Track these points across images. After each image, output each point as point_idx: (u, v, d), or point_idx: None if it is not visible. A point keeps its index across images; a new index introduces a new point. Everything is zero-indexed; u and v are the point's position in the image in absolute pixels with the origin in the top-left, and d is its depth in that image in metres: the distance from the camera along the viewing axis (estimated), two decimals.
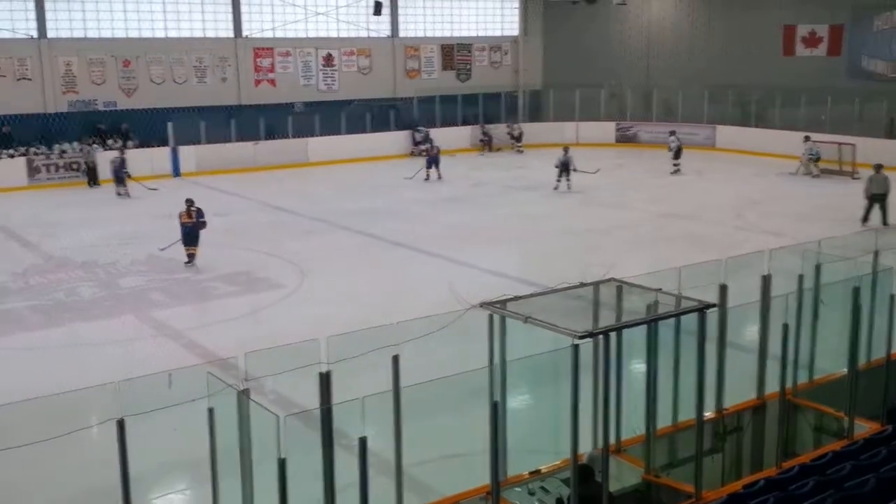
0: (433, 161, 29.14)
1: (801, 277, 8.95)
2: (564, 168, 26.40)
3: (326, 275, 17.70)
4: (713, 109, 35.36)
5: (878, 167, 21.32)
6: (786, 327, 8.30)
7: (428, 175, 28.86)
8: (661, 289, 7.59)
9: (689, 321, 7.69)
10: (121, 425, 5.95)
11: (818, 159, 28.43)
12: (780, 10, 34.65)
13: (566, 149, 27.01)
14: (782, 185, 27.56)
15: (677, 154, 29.74)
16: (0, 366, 12.92)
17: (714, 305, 7.84)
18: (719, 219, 22.40)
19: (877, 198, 20.77)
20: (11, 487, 8.92)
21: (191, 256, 18.17)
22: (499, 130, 36.14)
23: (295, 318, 14.76)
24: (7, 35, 28.90)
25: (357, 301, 15.69)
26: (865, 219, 20.72)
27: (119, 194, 26.41)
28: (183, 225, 18.23)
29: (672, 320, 7.73)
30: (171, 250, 18.48)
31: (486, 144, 35.66)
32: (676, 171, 29.56)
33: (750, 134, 33.83)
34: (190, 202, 18.42)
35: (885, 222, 20.54)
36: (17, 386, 11.43)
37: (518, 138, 35.64)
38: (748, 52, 35.13)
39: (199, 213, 18.23)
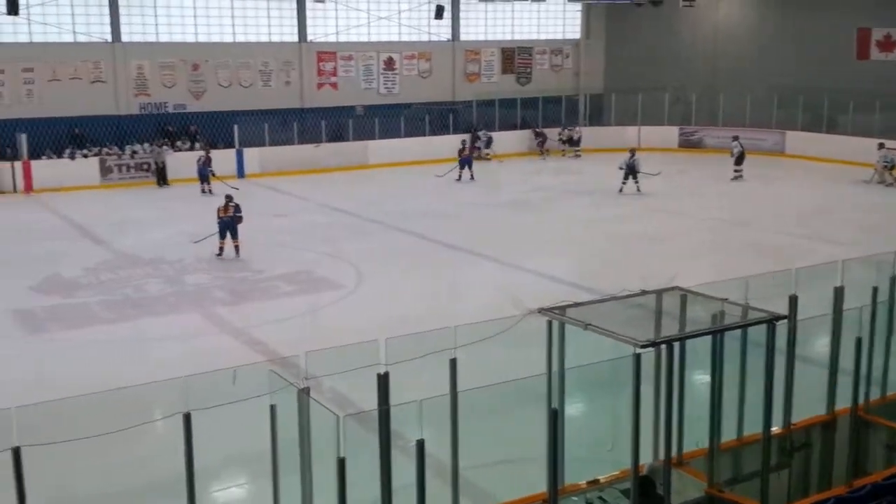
0: (466, 162, 29.26)
1: (875, 290, 8.69)
2: (630, 171, 26.16)
3: (384, 276, 17.78)
4: (782, 114, 34.62)
5: None
6: (859, 341, 8.06)
7: (460, 175, 28.90)
8: (727, 298, 7.44)
9: (756, 332, 7.52)
10: (187, 419, 6.04)
11: (893, 167, 27.61)
12: (854, 13, 33.72)
13: (633, 151, 26.75)
14: (854, 194, 26.83)
15: (739, 160, 29.23)
16: (69, 358, 13.24)
17: (784, 317, 7.61)
18: (786, 227, 21.93)
19: None
20: (79, 478, 9.12)
21: (221, 249, 18.95)
22: (553, 134, 35.70)
23: (352, 318, 14.86)
24: (83, 39, 29.63)
25: (413, 303, 15.74)
26: None
27: (203, 192, 27.11)
28: (220, 219, 19.01)
29: (738, 331, 7.57)
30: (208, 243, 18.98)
31: (541, 147, 35.21)
32: (738, 178, 29.05)
33: (821, 140, 32.98)
34: (229, 198, 19.34)
35: None
36: (86, 378, 11.74)
37: (577, 142, 35.33)
38: (820, 56, 34.24)
39: (237, 208, 19.03)
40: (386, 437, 6.24)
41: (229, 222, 18.96)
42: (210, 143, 30.37)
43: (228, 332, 14.42)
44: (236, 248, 19.03)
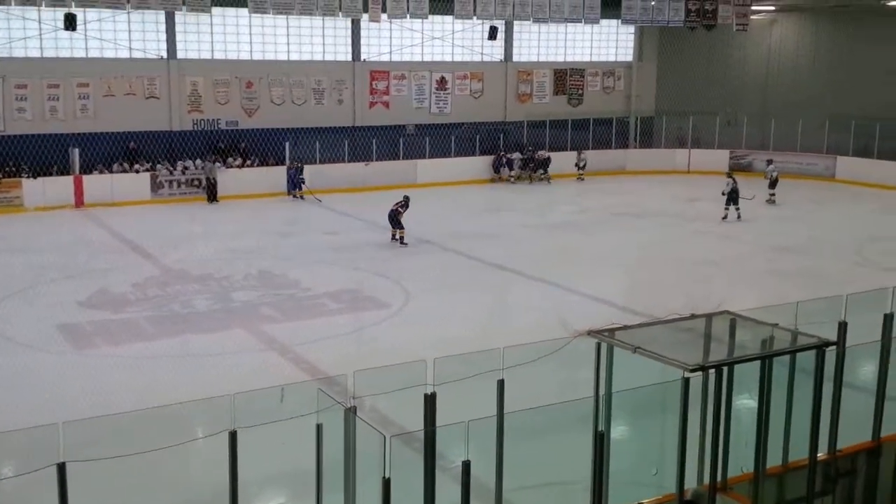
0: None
1: None
2: (733, 196, 25.70)
3: (431, 296, 17.82)
4: (834, 139, 34.23)
5: None
6: None
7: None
8: (777, 324, 7.37)
9: (804, 358, 7.43)
10: (233, 437, 6.11)
11: None
12: None
13: (732, 176, 26.26)
14: None
15: (773, 184, 28.99)
16: (117, 373, 13.44)
17: (833, 343, 7.55)
18: (837, 254, 21.61)
19: None
20: (123, 494, 9.23)
21: (400, 238, 22.35)
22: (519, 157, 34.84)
23: (399, 337, 14.91)
24: (138, 55, 30.25)
25: (460, 323, 15.75)
26: None
27: (294, 197, 29.87)
28: (394, 210, 22.47)
29: (786, 356, 7.50)
30: None
31: (499, 170, 34.28)
32: (772, 202, 28.76)
33: (872, 166, 32.55)
34: (407, 198, 22.78)
35: None
36: (132, 394, 11.91)
37: (582, 167, 34.87)
38: (872, 81, 33.89)
39: (403, 203, 22.57)
40: (431, 458, 6.25)
41: (392, 214, 22.45)
42: (245, 158, 31.17)
43: (275, 350, 14.53)
44: (401, 237, 22.38)
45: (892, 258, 20.75)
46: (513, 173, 33.93)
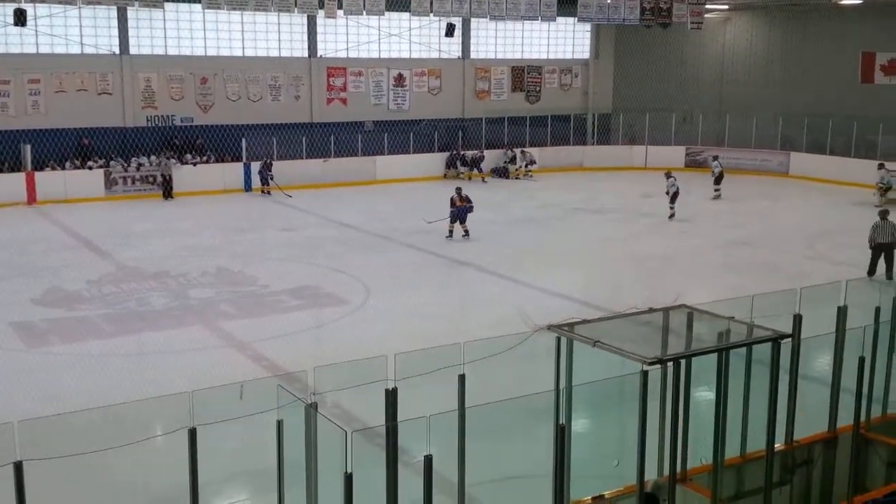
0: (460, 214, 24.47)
1: (877, 310, 8.75)
2: (676, 195, 25.62)
3: (391, 292, 17.80)
4: (787, 135, 34.80)
5: (884, 213, 19.01)
6: (862, 360, 8.10)
7: (451, 231, 23.62)
8: (733, 317, 7.48)
9: (760, 350, 7.55)
10: (192, 434, 6.05)
11: (888, 188, 27.55)
12: (858, 37, 33.96)
13: (673, 175, 26.15)
14: (858, 215, 26.84)
15: (718, 180, 29.34)
16: (73, 371, 13.24)
17: (788, 335, 7.68)
18: (790, 248, 21.96)
19: (883, 247, 18.33)
20: (81, 493, 9.11)
21: (451, 232, 22.55)
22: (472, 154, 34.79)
23: (359, 333, 14.87)
24: (90, 51, 29.80)
25: (421, 319, 15.75)
26: (871, 271, 18.18)
27: (263, 192, 29.94)
28: (456, 207, 22.50)
29: (743, 349, 7.60)
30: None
31: (452, 168, 34.26)
32: (717, 197, 29.13)
33: (825, 162, 33.12)
34: (459, 189, 22.99)
35: (889, 275, 18.10)
36: (88, 392, 11.75)
37: (522, 163, 34.74)
38: (824, 79, 34.58)
39: (468, 199, 22.67)
40: (393, 453, 6.24)
41: (463, 211, 22.48)
42: (201, 155, 30.97)
43: (234, 347, 14.41)
44: (466, 231, 22.46)
45: (843, 252, 21.12)
46: (462, 171, 33.96)
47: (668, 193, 25.87)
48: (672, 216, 25.62)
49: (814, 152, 33.80)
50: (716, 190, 29.38)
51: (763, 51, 37.77)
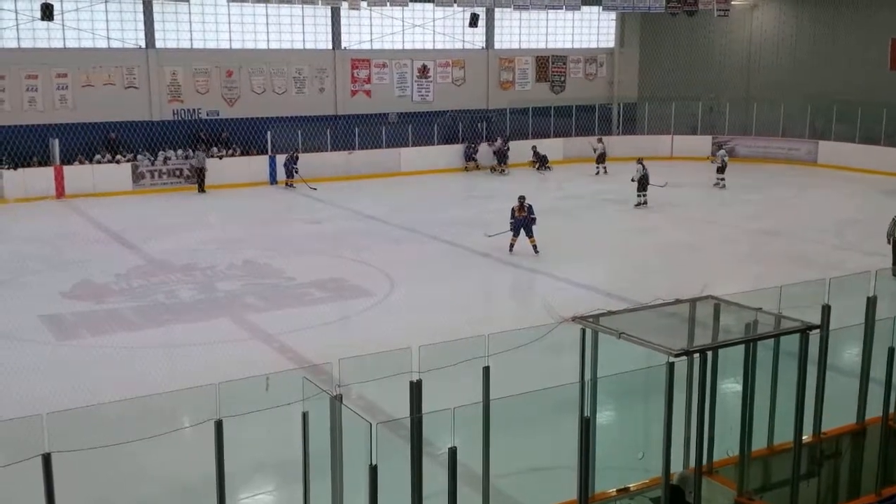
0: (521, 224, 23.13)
1: None
2: (643, 183, 25.59)
3: (416, 284, 17.81)
4: (815, 124, 34.42)
5: None
6: (891, 351, 8.01)
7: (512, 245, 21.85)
8: (761, 308, 7.41)
9: (788, 341, 7.48)
10: (219, 426, 6.09)
11: None
12: (887, 24, 33.51)
13: (642, 162, 26.03)
14: (887, 204, 26.50)
15: (722, 169, 29.10)
16: (101, 363, 13.37)
17: (817, 327, 7.59)
18: (818, 237, 21.74)
19: None
20: (109, 484, 9.21)
21: (511, 246, 19.88)
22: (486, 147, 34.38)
23: (384, 325, 14.89)
24: (117, 45, 30.00)
25: (445, 311, 15.75)
26: None
27: (287, 185, 29.87)
28: (515, 219, 19.83)
29: (770, 340, 7.53)
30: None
31: (471, 160, 33.85)
32: (722, 186, 28.86)
33: (853, 150, 32.75)
34: (522, 198, 19.90)
35: None
36: (116, 384, 11.85)
37: (504, 157, 33.74)
38: (853, 67, 34.09)
39: (531, 209, 19.82)
40: (418, 445, 6.25)
41: (523, 221, 19.76)
42: (227, 147, 31.11)
43: (260, 339, 14.50)
44: (533, 246, 19.72)
45: (873, 242, 20.83)
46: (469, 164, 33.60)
47: (633, 180, 25.72)
48: (639, 204, 25.49)
49: (843, 140, 33.41)
50: (720, 178, 29.05)
51: (791, 38, 37.29)
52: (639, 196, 25.59)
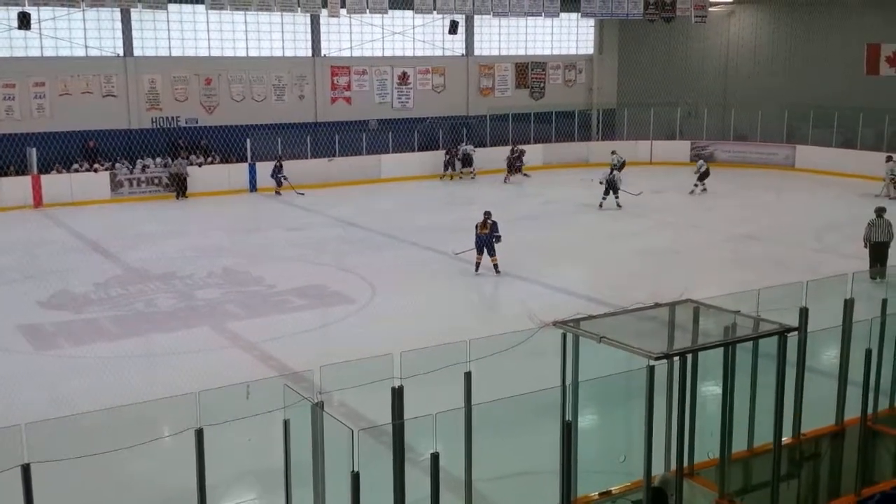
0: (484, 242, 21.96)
1: (884, 302, 8.71)
2: (610, 186, 26.02)
3: (397, 290, 17.80)
4: (792, 129, 34.73)
5: (881, 211, 18.45)
6: (868, 353, 8.08)
7: (478, 264, 20.29)
8: (739, 311, 7.46)
9: (767, 344, 7.53)
10: (199, 434, 6.06)
11: None
12: (864, 29, 33.88)
13: (612, 168, 26.52)
14: (864, 207, 26.74)
15: (702, 177, 29.22)
16: (80, 373, 13.28)
17: (795, 329, 7.65)
18: (797, 241, 21.91)
19: (878, 246, 17.92)
20: (89, 495, 9.13)
21: (477, 265, 18.71)
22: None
23: (365, 332, 14.87)
24: (95, 53, 29.85)
25: (426, 317, 15.76)
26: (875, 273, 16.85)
27: (277, 193, 29.72)
28: (478, 236, 18.72)
29: (749, 343, 7.58)
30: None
31: (450, 167, 33.65)
32: (702, 191, 29.01)
33: (831, 154, 33.06)
34: (488, 214, 18.84)
35: (882, 274, 16.49)
36: (96, 394, 11.78)
37: (469, 162, 33.61)
38: (829, 71, 34.44)
39: (494, 226, 18.64)
40: (400, 451, 6.25)
41: (486, 239, 18.64)
42: (206, 155, 31.01)
43: (240, 347, 14.44)
44: (495, 265, 18.67)
45: (850, 245, 21.01)
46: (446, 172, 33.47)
47: (601, 182, 26.28)
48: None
49: (819, 145, 33.71)
50: (696, 185, 29.12)
51: (767, 44, 37.69)
52: (603, 198, 26.11)
